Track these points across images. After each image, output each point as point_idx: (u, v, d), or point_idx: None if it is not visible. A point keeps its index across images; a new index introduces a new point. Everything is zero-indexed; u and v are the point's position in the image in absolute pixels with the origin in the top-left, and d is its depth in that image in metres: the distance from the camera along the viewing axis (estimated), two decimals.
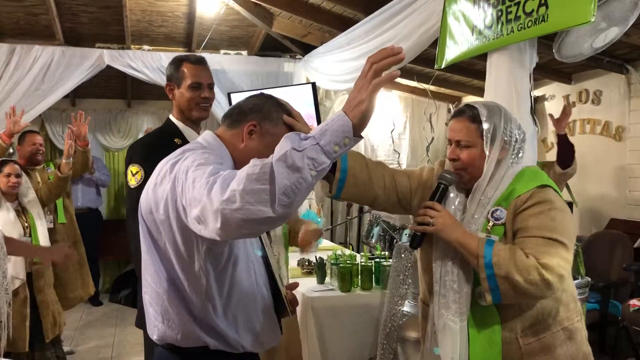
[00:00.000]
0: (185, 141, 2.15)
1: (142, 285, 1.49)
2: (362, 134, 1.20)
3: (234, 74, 5.96)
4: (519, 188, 1.70)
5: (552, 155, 4.88)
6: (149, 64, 5.54)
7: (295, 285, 1.74)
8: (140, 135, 6.72)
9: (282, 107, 1.52)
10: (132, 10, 5.14)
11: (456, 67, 4.72)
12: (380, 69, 1.17)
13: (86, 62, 5.33)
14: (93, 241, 5.80)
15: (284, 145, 1.13)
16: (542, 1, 2.46)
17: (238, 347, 1.44)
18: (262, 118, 1.48)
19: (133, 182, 2.08)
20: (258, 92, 1.61)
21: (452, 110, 6.73)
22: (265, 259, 1.55)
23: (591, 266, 3.60)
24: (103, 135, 6.89)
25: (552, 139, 5.35)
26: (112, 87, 6.61)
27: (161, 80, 5.60)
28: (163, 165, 1.39)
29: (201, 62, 2.25)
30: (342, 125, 1.15)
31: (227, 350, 1.43)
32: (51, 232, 4.04)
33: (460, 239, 1.67)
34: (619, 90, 4.67)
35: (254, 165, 1.12)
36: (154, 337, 1.46)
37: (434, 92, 6.34)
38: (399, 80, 6.06)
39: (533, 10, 2.51)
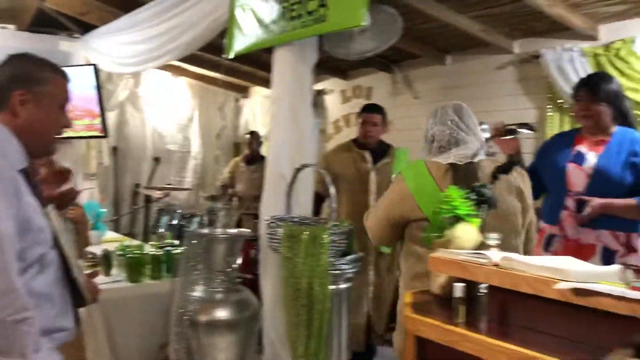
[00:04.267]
0: None
1: None
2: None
3: None
4: None
5: (331, 145, 5.30)
6: None
7: (95, 274, 1.70)
8: None
9: (40, 62, 1.47)
10: None
11: (245, 57, 4.83)
12: None
13: None
14: None
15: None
16: (323, 2, 2.68)
17: None
18: (27, 82, 1.40)
19: None
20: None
21: (240, 101, 6.89)
22: (60, 251, 1.48)
23: None
24: None
25: (331, 129, 5.82)
26: None
27: None
28: None
29: None
30: None
31: None
32: None
33: None
34: (386, 88, 5.25)
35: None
36: None
37: (224, 81, 6.42)
38: (189, 67, 6.01)
39: (314, 10, 2.71)
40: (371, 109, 3.76)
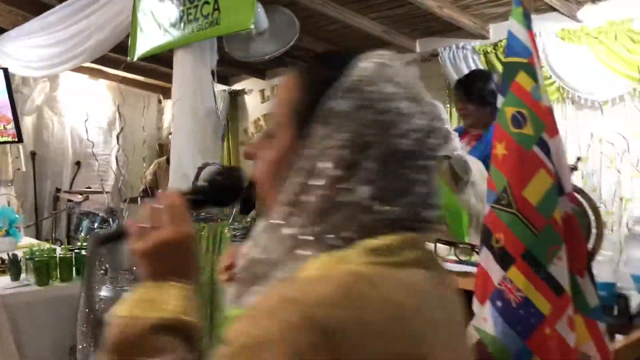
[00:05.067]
0: None
1: None
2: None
3: None
4: None
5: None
6: None
7: None
8: None
9: None
10: None
11: (162, 59, 4.88)
12: None
13: None
14: None
15: None
16: (216, 6, 2.79)
17: None
18: None
19: None
20: None
21: (163, 102, 6.89)
22: None
23: None
24: None
25: (252, 129, 5.93)
26: None
27: None
28: None
29: None
30: None
31: None
32: None
33: None
34: None
35: None
36: None
37: (143, 83, 6.42)
38: (107, 69, 5.98)
39: (209, 14, 2.83)
40: None
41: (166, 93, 6.80)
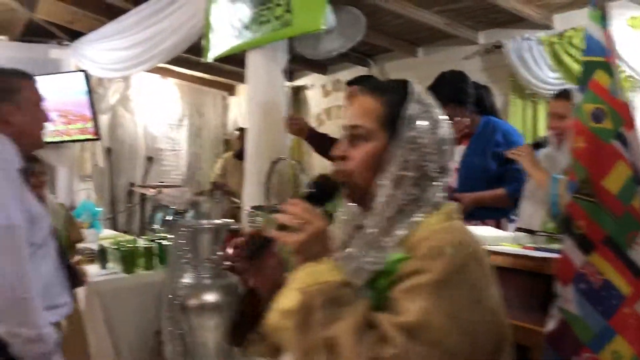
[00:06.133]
0: None
1: None
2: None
3: None
4: None
5: None
6: None
7: (78, 262, 1.95)
8: None
9: (7, 73, 1.73)
10: None
11: (230, 57, 5.08)
12: None
13: None
14: None
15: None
16: (288, 8, 2.92)
17: None
18: (6, 95, 1.67)
19: None
20: None
21: (227, 99, 7.12)
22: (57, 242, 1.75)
23: None
24: None
25: (314, 123, 6.05)
26: None
27: None
28: None
29: None
30: None
31: None
32: None
33: None
34: None
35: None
36: None
37: (210, 81, 6.66)
38: (176, 68, 6.24)
39: (281, 16, 2.96)
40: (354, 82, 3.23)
41: (231, 90, 7.04)
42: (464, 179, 2.60)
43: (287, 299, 0.92)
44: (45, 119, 1.80)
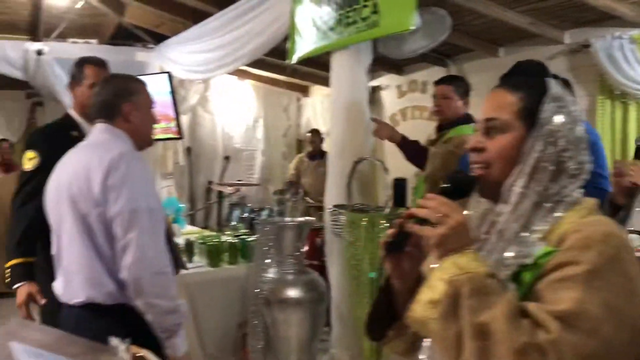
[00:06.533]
0: (81, 133, 2.32)
1: (61, 258, 1.78)
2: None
3: None
4: None
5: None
6: None
7: None
8: None
9: (128, 77, 1.91)
10: None
11: (305, 59, 5.18)
12: None
13: None
14: None
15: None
16: (375, 9, 2.94)
17: None
18: (127, 95, 1.83)
19: (28, 165, 2.26)
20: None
21: (302, 100, 7.22)
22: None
23: None
24: None
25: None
26: None
27: (5, 69, 5.38)
28: (91, 159, 1.70)
29: (103, 64, 2.43)
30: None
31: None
32: None
33: None
34: None
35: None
36: (78, 300, 1.72)
37: (285, 82, 6.79)
38: (253, 70, 6.41)
39: (368, 17, 2.99)
40: (439, 80, 3.15)
41: (306, 92, 7.14)
42: None
43: (432, 290, 0.93)
44: (155, 120, 1.96)
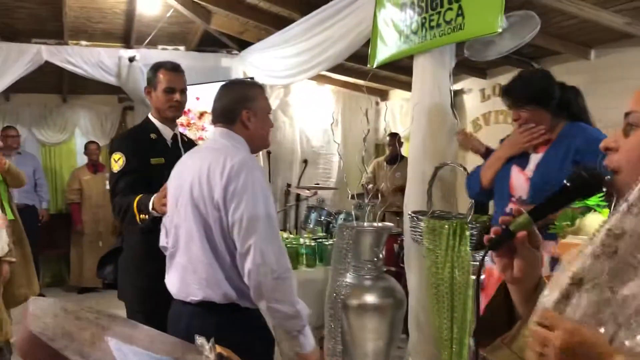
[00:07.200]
0: (160, 136, 2.43)
1: (176, 255, 1.85)
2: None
3: None
4: None
5: None
6: (87, 59, 5.64)
7: None
8: (77, 130, 6.85)
9: (249, 83, 1.98)
10: (70, 7, 5.22)
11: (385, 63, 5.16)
12: None
13: (23, 58, 5.36)
14: (32, 238, 5.79)
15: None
16: (460, 12, 2.88)
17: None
18: (246, 102, 1.88)
19: (116, 167, 2.39)
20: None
21: (380, 104, 7.19)
22: None
23: None
24: (39, 129, 6.87)
25: (470, 128, 5.91)
26: (47, 81, 6.59)
27: (101, 76, 5.71)
28: (212, 164, 1.76)
29: (176, 69, 2.53)
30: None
31: (251, 307, 1.81)
32: None
33: None
34: None
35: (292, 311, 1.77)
36: (195, 298, 1.79)
37: (364, 86, 6.77)
38: (332, 75, 6.45)
39: (452, 20, 2.93)
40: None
41: (384, 95, 7.10)
42: (537, 190, 2.32)
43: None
44: (271, 124, 2.02)
